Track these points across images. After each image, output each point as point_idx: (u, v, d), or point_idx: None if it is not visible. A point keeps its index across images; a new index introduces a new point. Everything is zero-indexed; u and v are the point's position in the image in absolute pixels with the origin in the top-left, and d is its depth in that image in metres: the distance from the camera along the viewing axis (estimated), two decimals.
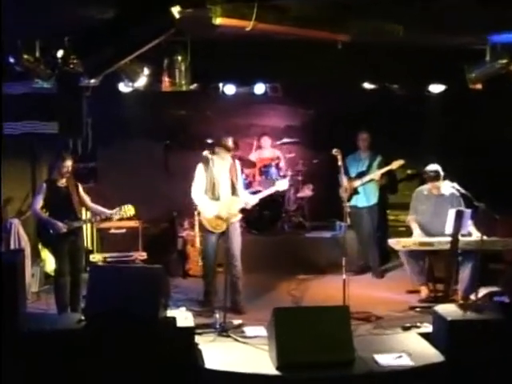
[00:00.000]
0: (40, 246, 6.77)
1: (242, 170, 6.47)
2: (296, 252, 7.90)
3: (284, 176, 8.37)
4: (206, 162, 5.97)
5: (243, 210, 6.33)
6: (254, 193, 6.71)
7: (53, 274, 6.28)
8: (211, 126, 8.50)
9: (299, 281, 7.45)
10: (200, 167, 6.05)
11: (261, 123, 9.13)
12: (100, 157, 8.46)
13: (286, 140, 8.71)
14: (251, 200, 6.23)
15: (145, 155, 8.60)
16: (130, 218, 6.42)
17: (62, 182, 5.90)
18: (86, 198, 6.12)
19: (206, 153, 6.03)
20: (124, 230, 7.75)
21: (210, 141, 7.20)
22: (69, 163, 5.89)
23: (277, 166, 8.49)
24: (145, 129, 8.50)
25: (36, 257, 7.09)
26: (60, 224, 5.76)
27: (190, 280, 7.63)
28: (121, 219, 6.22)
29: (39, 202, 5.88)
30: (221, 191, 6.05)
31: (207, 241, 6.13)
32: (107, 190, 7.60)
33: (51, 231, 5.79)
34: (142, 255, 7.68)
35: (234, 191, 6.08)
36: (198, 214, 6.34)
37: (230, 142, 6.07)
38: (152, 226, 8.28)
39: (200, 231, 6.52)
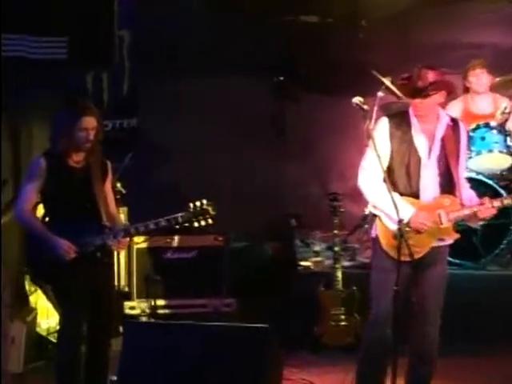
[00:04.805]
0: (29, 285, 6.42)
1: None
2: None
3: None
4: (400, 117, 5.40)
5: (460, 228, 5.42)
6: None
7: (53, 338, 6.14)
8: (371, 45, 7.87)
9: None
10: (383, 126, 5.39)
11: (472, 40, 8.23)
12: (146, 109, 7.91)
13: None
14: (482, 207, 5.31)
15: (233, 105, 8.04)
16: (205, 229, 5.83)
17: (78, 160, 5.47)
18: (110, 195, 5.63)
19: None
20: (193, 254, 7.21)
21: (388, 81, 7.02)
22: (92, 122, 5.39)
23: (502, 127, 7.38)
24: (233, 52, 7.97)
25: (20, 304, 6.59)
26: (67, 243, 5.30)
27: (325, 356, 6.72)
28: (184, 230, 5.75)
29: (31, 198, 5.42)
30: (423, 182, 5.38)
31: (382, 277, 5.42)
32: (158, 175, 7.51)
33: (52, 256, 5.33)
34: (229, 304, 7.10)
35: (448, 185, 5.39)
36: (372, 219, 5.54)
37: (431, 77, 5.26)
38: (248, 247, 7.86)
39: (373, 256, 5.64)
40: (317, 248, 7.51)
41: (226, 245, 7.23)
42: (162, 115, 7.95)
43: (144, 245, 7.10)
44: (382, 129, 5.35)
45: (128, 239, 5.61)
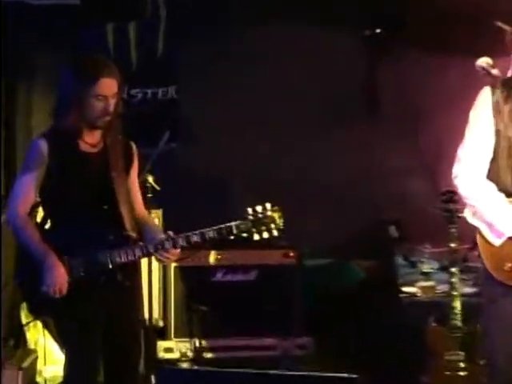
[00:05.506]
0: (25, 316, 5.96)
1: None
2: None
3: None
4: (509, 86, 4.80)
5: None
6: None
7: None
8: None
9: None
10: (485, 99, 4.75)
11: None
12: (186, 74, 7.28)
13: None
14: None
15: (306, 68, 7.14)
16: (269, 242, 5.06)
17: (93, 142, 5.03)
18: (136, 189, 5.12)
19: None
20: (253, 275, 6.60)
21: None
22: (112, 86, 4.86)
23: None
24: None
25: (14, 344, 6.23)
26: (62, 279, 4.76)
27: None
28: (240, 243, 5.18)
29: (28, 196, 4.96)
30: None
31: (492, 308, 4.96)
32: (201, 164, 7.09)
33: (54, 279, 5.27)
34: (303, 344, 6.46)
35: None
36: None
37: None
38: (329, 266, 7.15)
39: (480, 281, 5.22)
40: (426, 268, 6.64)
41: (299, 263, 6.43)
42: (208, 82, 7.00)
43: (185, 263, 6.03)
44: (482, 103, 4.53)
45: (174, 250, 4.75)
